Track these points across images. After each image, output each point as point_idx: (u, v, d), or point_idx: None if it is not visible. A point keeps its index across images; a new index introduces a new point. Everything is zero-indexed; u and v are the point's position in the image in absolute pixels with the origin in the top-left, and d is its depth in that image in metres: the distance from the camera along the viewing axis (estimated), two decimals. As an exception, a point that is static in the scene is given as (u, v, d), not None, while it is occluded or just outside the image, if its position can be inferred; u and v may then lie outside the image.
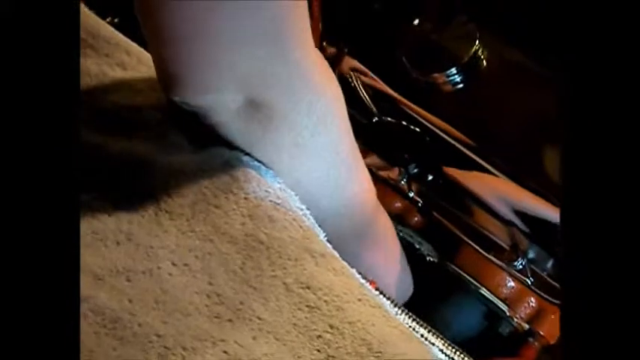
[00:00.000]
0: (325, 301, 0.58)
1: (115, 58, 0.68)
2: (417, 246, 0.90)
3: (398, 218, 0.91)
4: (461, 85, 0.83)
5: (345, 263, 0.63)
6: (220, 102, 0.61)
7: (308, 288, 0.59)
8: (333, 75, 0.66)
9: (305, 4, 0.61)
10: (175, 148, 0.63)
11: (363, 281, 0.63)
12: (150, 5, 0.58)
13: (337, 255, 0.63)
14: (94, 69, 0.67)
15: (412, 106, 0.85)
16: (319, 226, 0.65)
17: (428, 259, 0.90)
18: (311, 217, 0.66)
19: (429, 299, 0.87)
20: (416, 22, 0.87)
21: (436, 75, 0.82)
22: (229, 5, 0.56)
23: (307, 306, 0.58)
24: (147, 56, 0.70)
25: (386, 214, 0.79)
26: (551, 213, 0.77)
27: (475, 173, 0.83)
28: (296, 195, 0.66)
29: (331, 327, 0.57)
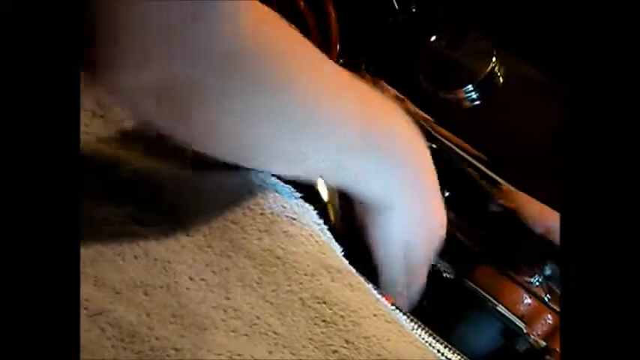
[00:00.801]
0: (341, 316, 0.58)
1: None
2: (434, 262, 0.90)
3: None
4: (478, 102, 0.83)
5: (362, 279, 0.63)
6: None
7: (324, 303, 0.59)
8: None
9: None
10: (192, 165, 0.64)
11: (379, 296, 0.63)
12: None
13: (354, 270, 0.63)
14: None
15: (428, 119, 0.85)
16: None
17: (445, 275, 0.89)
18: (328, 232, 0.66)
19: (446, 316, 0.87)
20: (433, 38, 0.87)
21: (453, 91, 0.83)
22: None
23: (323, 321, 0.58)
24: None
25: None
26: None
27: (491, 189, 0.83)
28: (314, 210, 0.66)
29: (347, 342, 0.57)
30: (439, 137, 0.85)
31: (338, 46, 0.90)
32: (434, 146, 0.85)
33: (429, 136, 0.85)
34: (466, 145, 0.83)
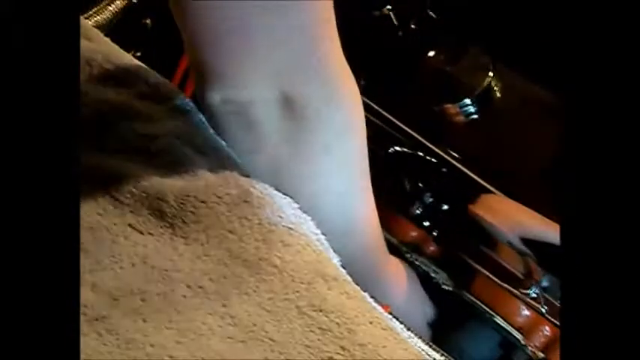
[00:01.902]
0: (337, 323, 0.59)
1: (134, 88, 0.70)
2: (433, 275, 0.90)
3: (413, 247, 0.92)
4: (474, 116, 0.84)
5: (358, 287, 0.64)
6: (257, 96, 0.64)
7: (320, 311, 0.59)
8: (357, 88, 0.69)
9: (332, 10, 0.64)
10: (191, 174, 0.64)
11: (375, 305, 0.64)
12: (187, 8, 0.61)
13: (350, 279, 0.64)
14: (113, 97, 0.68)
15: (425, 136, 0.86)
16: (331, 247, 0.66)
17: (443, 287, 0.90)
18: (325, 242, 0.67)
19: (445, 328, 0.88)
20: (431, 53, 0.88)
21: (450, 106, 0.84)
22: (267, 6, 0.59)
23: (319, 328, 0.58)
24: (167, 87, 0.71)
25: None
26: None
27: (489, 203, 0.83)
28: (312, 220, 0.67)
29: (342, 349, 0.58)
30: (433, 148, 0.85)
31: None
32: (419, 154, 0.86)
33: (415, 145, 0.86)
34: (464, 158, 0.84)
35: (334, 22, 0.64)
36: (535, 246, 0.80)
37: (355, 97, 0.68)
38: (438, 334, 0.85)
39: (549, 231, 0.79)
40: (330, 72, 0.65)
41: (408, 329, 0.66)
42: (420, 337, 0.66)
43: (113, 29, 0.96)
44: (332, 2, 0.63)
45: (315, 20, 0.62)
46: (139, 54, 0.95)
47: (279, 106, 0.65)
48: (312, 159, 0.68)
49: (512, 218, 0.82)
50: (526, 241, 0.81)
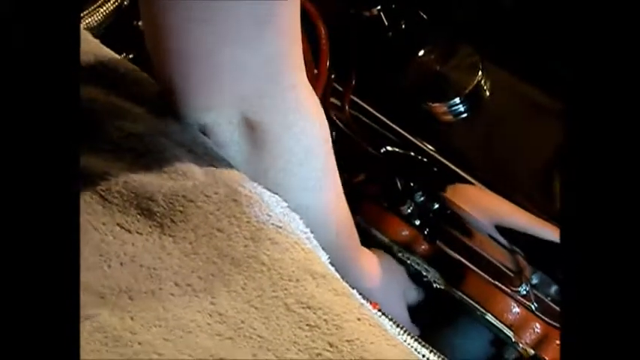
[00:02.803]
0: (325, 320, 0.59)
1: (122, 88, 0.70)
2: (424, 273, 0.91)
3: (405, 246, 0.92)
4: (464, 115, 0.84)
5: (346, 284, 0.64)
6: (219, 120, 0.66)
7: (308, 308, 0.60)
8: (322, 110, 0.70)
9: (299, 40, 0.65)
10: (179, 173, 0.65)
11: (363, 301, 0.64)
12: (157, 28, 0.62)
13: (338, 276, 0.64)
14: (102, 97, 0.69)
15: (416, 135, 0.86)
16: None
17: (434, 285, 0.90)
18: (314, 240, 0.67)
19: (436, 325, 0.88)
20: (421, 53, 0.88)
21: (439, 105, 0.84)
22: (232, 36, 0.60)
23: (307, 325, 0.59)
24: (155, 87, 0.72)
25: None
26: (554, 239, 0.78)
27: (480, 201, 0.84)
28: (300, 218, 0.67)
29: (330, 345, 0.58)
30: (424, 147, 0.86)
31: (328, 62, 0.91)
32: (411, 153, 0.86)
33: (406, 145, 0.87)
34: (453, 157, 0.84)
35: (301, 52, 0.65)
36: (524, 243, 0.80)
37: (318, 120, 0.70)
38: (430, 332, 0.85)
39: (522, 220, 0.79)
40: (293, 100, 0.66)
41: (397, 326, 0.66)
42: (409, 334, 0.66)
43: (105, 31, 0.97)
44: (300, 33, 0.64)
45: (282, 52, 0.63)
46: (131, 56, 0.96)
47: (242, 130, 0.66)
48: (274, 180, 0.69)
49: (486, 207, 0.82)
50: (512, 237, 0.81)
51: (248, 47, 0.61)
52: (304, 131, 0.67)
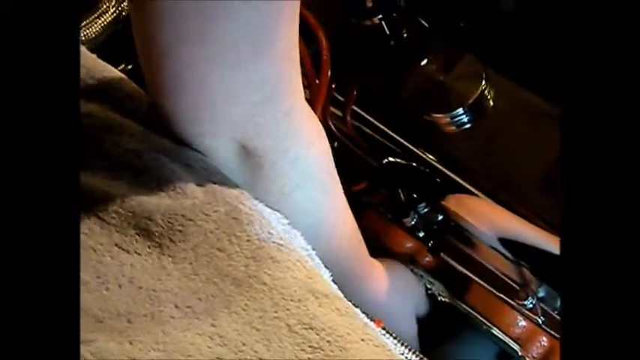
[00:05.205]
0: (328, 341, 0.58)
1: (118, 103, 0.69)
2: (429, 286, 0.90)
3: (409, 258, 0.91)
4: (468, 125, 0.83)
5: (350, 303, 0.63)
6: (215, 146, 0.64)
7: (311, 329, 0.59)
8: (322, 131, 0.69)
9: (297, 61, 0.63)
10: (178, 192, 0.63)
11: (367, 321, 0.63)
12: (151, 53, 0.60)
13: (341, 295, 0.63)
14: (98, 112, 0.68)
15: (418, 146, 0.85)
16: None
17: (439, 298, 0.89)
18: (316, 257, 0.66)
19: (441, 339, 0.87)
20: (424, 62, 0.87)
21: (442, 116, 0.83)
22: (226, 60, 0.58)
23: (310, 346, 0.58)
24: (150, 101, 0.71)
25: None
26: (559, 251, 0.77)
27: (484, 213, 0.83)
28: (302, 235, 0.66)
29: (334, 367, 0.57)
30: (427, 158, 0.85)
31: (330, 72, 0.90)
32: (413, 164, 0.85)
33: (409, 155, 0.86)
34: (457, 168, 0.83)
35: (299, 75, 0.63)
36: (530, 256, 0.79)
37: (315, 145, 0.68)
38: (435, 346, 0.84)
39: (527, 232, 0.78)
40: (288, 125, 0.64)
41: (402, 344, 0.65)
42: (413, 352, 0.65)
43: (103, 43, 0.96)
44: (298, 55, 0.62)
45: (278, 77, 0.61)
46: (129, 67, 0.95)
47: (237, 155, 0.65)
48: (272, 204, 0.67)
49: (491, 219, 0.81)
50: (518, 249, 0.80)
51: (242, 71, 0.59)
52: (299, 156, 0.66)
